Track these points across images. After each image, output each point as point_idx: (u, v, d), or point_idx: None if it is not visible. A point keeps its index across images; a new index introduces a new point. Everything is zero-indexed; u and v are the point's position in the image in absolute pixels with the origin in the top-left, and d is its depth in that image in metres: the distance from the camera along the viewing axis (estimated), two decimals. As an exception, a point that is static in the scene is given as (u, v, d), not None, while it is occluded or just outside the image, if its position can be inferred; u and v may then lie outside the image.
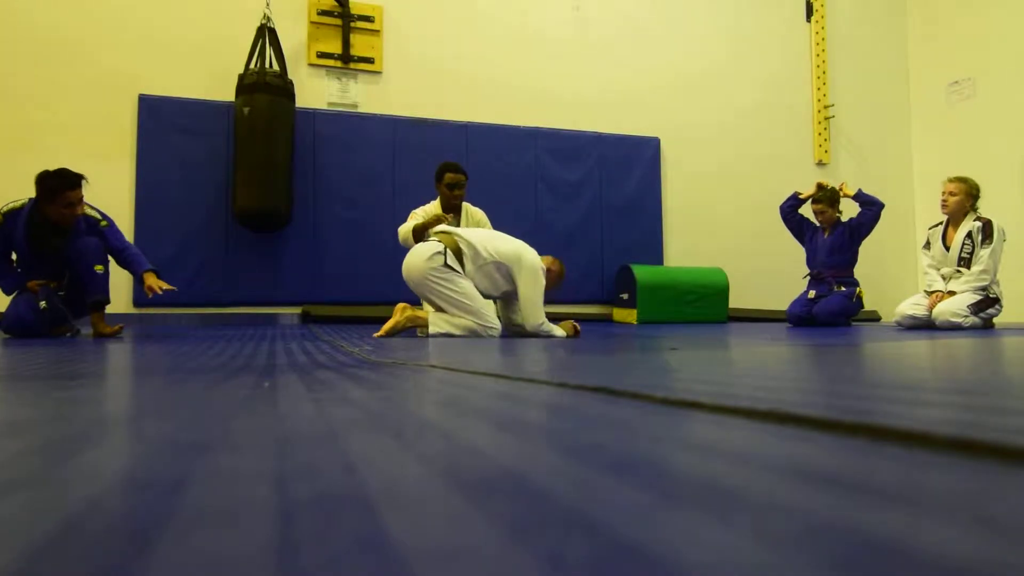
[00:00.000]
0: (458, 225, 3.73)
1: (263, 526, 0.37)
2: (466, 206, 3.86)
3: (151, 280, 3.19)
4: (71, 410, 0.90)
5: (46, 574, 0.30)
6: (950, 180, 4.22)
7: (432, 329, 3.06)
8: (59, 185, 3.05)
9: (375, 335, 3.09)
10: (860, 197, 4.64)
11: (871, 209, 4.62)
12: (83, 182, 3.13)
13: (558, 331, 3.21)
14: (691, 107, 6.17)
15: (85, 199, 3.18)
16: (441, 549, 0.33)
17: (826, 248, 4.78)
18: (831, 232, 4.79)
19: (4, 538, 0.35)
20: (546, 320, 3.19)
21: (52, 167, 3.11)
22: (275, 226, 4.83)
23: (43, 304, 3.13)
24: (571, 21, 5.92)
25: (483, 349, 2.16)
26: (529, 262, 3.19)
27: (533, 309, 3.16)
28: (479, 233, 3.30)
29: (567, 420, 0.74)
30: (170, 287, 3.20)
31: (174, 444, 0.62)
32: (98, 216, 3.27)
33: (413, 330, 3.23)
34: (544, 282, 3.21)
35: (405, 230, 3.53)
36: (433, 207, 3.77)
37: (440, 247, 3.11)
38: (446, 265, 3.07)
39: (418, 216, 3.62)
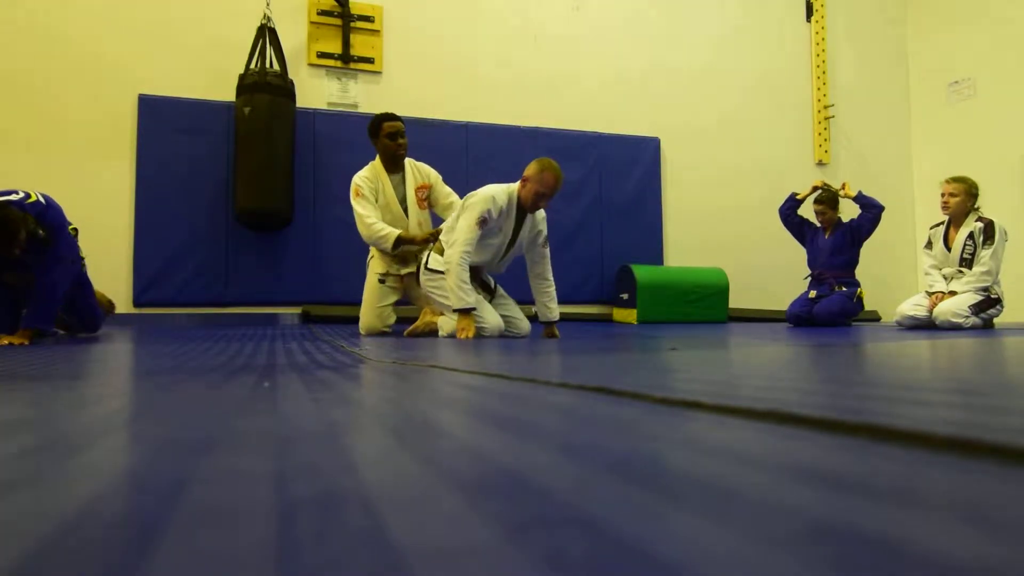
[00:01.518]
0: (403, 183, 3.60)
1: (263, 526, 0.37)
2: (411, 162, 3.63)
3: (19, 337, 2.70)
4: (71, 410, 0.90)
5: (46, 574, 0.30)
6: (948, 181, 4.21)
7: (440, 333, 3.13)
8: None
9: (405, 333, 3.28)
10: (861, 199, 4.64)
11: (871, 212, 4.61)
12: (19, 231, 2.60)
13: (469, 296, 2.87)
14: (691, 107, 6.17)
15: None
16: (441, 549, 0.33)
17: (827, 249, 4.77)
18: (832, 233, 4.79)
19: (4, 538, 0.35)
20: (460, 266, 2.87)
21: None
22: (275, 226, 4.84)
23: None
24: (571, 20, 5.91)
25: (483, 349, 2.16)
26: (468, 199, 3.03)
27: (455, 238, 2.96)
28: (452, 218, 3.21)
29: (567, 420, 0.74)
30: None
31: (174, 444, 0.62)
32: (41, 234, 2.75)
33: (430, 333, 3.29)
34: (475, 215, 2.92)
35: (376, 233, 3.37)
36: (371, 170, 3.55)
37: (426, 254, 3.23)
38: (428, 268, 3.16)
39: (364, 193, 3.43)
